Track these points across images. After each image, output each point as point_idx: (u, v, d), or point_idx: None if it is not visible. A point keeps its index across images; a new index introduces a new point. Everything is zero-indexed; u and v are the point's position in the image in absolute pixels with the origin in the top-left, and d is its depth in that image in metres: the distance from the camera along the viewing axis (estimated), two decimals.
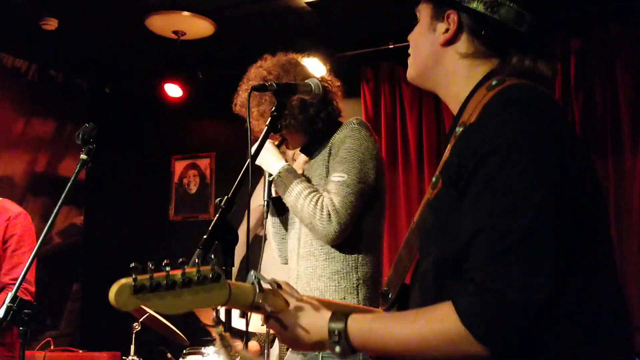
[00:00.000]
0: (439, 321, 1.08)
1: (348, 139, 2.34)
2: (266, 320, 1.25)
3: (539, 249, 1.04)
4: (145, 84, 5.54)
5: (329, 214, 2.20)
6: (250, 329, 3.59)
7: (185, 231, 5.49)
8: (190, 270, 1.10)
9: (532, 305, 1.02)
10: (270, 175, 2.40)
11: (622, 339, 1.16)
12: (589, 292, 1.12)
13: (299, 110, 2.38)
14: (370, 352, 1.23)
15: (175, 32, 4.53)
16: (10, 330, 2.97)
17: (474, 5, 1.29)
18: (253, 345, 4.00)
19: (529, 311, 1.02)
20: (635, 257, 4.05)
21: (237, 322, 2.61)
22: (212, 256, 1.17)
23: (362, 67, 4.92)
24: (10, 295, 2.09)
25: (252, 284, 1.19)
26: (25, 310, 2.06)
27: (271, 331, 3.16)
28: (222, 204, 1.53)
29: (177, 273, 1.09)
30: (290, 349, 2.47)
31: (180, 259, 1.11)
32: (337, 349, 1.17)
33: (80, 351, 4.48)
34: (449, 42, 1.33)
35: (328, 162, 2.36)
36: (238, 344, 2.76)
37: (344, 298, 2.25)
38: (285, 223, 2.55)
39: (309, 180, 2.37)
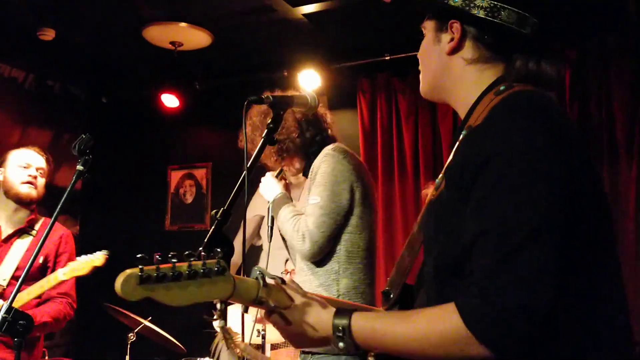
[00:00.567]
0: (442, 321, 1.09)
1: (323, 164, 2.56)
2: (268, 316, 1.26)
3: (543, 252, 1.05)
4: (142, 94, 5.55)
5: (303, 235, 2.47)
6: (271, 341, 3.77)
7: (182, 241, 5.49)
8: (196, 262, 1.11)
9: (536, 307, 1.02)
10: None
11: (624, 344, 1.18)
12: (592, 296, 1.13)
13: (297, 134, 2.65)
14: (373, 350, 1.25)
15: (172, 43, 4.55)
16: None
17: (474, 12, 1.31)
18: None
19: (532, 313, 1.02)
20: (631, 265, 4.05)
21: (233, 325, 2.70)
22: (218, 249, 1.17)
23: (358, 79, 4.94)
24: (5, 305, 2.09)
25: (256, 278, 1.21)
26: (21, 322, 2.06)
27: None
28: (218, 215, 1.53)
29: (184, 265, 1.10)
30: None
31: (187, 252, 1.11)
32: (341, 344, 1.19)
33: None
34: (455, 50, 1.36)
35: (311, 184, 2.60)
36: (240, 339, 2.82)
37: None
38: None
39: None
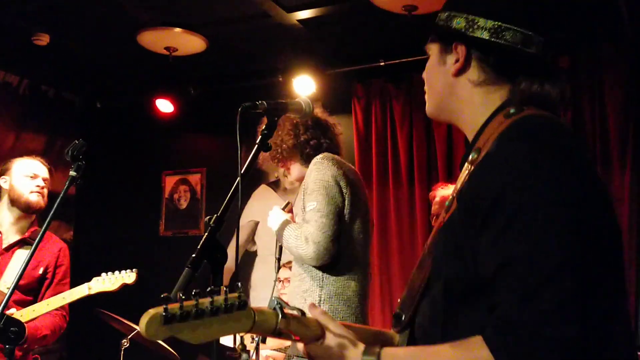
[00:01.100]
0: (471, 357, 1.09)
1: (313, 172, 2.63)
2: (307, 349, 1.27)
3: (568, 286, 1.04)
4: (137, 99, 5.54)
5: (306, 238, 2.53)
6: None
7: (176, 247, 5.47)
8: (218, 298, 1.11)
9: (565, 342, 1.02)
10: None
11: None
12: (610, 326, 1.11)
13: (292, 136, 2.73)
14: None
15: (167, 48, 4.54)
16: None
17: (478, 33, 1.30)
18: None
19: (562, 348, 1.02)
20: (625, 273, 4.06)
21: (224, 340, 2.68)
22: (239, 284, 1.17)
23: (353, 84, 4.95)
24: None
25: (274, 309, 1.21)
26: (12, 329, 2.04)
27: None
28: (212, 222, 1.52)
29: (206, 301, 1.10)
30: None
31: (209, 288, 1.12)
32: None
33: None
34: (460, 72, 1.35)
35: (303, 195, 2.67)
36: None
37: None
38: None
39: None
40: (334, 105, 5.13)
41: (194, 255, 1.46)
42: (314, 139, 2.76)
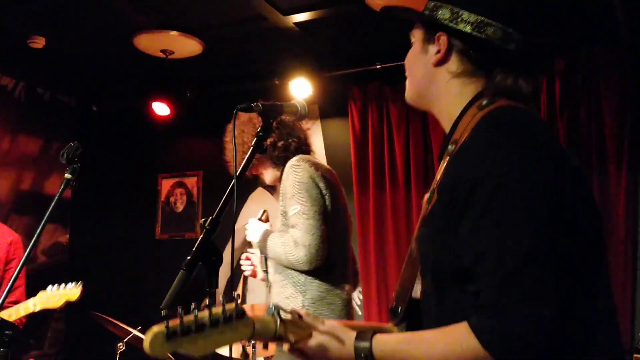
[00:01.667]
0: (459, 343, 1.15)
1: (290, 175, 2.57)
2: (291, 350, 1.29)
3: (543, 269, 1.11)
4: (133, 102, 5.54)
5: (295, 242, 2.45)
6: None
7: (172, 250, 5.46)
8: (217, 310, 1.15)
9: (544, 321, 1.08)
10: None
11: (618, 351, 1.25)
12: (589, 305, 1.18)
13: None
14: None
15: (163, 51, 4.54)
16: None
17: (461, 26, 1.34)
18: None
19: (541, 327, 1.08)
20: (620, 274, 4.06)
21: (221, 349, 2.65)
22: (236, 294, 1.21)
23: (349, 87, 4.95)
24: None
25: (272, 315, 1.25)
26: (7, 332, 2.03)
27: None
28: (207, 224, 1.52)
29: (205, 314, 1.14)
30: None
31: (205, 302, 1.18)
32: None
33: None
34: (440, 62, 1.39)
35: (282, 200, 2.62)
36: None
37: None
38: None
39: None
40: (330, 108, 5.16)
41: (189, 257, 1.46)
42: (280, 141, 2.71)
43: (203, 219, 1.53)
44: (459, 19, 1.33)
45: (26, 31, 4.41)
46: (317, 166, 2.64)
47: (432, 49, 1.39)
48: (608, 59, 4.24)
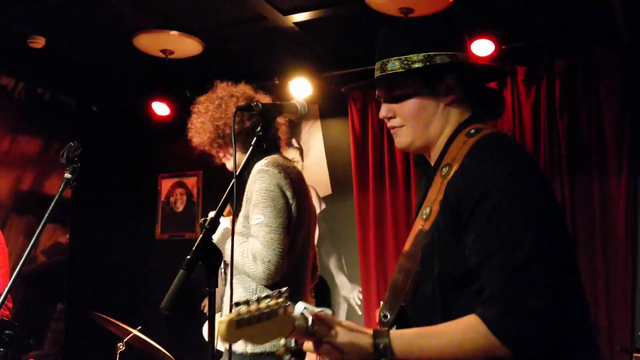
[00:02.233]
0: (471, 332, 1.30)
1: (258, 180, 2.43)
2: (317, 347, 1.34)
3: (542, 267, 1.29)
4: (133, 102, 5.53)
5: (254, 257, 2.32)
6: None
7: (172, 250, 5.46)
8: (271, 303, 1.23)
9: (542, 310, 1.26)
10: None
11: (594, 342, 1.43)
12: (573, 301, 1.36)
13: (237, 122, 2.51)
14: None
15: (163, 51, 4.54)
16: None
17: (460, 57, 1.53)
18: None
19: (538, 317, 1.26)
20: (620, 273, 4.06)
21: (221, 345, 2.60)
22: (284, 289, 1.26)
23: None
24: None
25: (302, 313, 1.31)
26: (7, 331, 2.03)
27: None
28: (207, 224, 1.52)
29: (264, 305, 1.21)
30: None
31: (265, 294, 1.23)
32: None
33: None
34: (453, 100, 1.54)
35: (245, 204, 2.48)
36: None
37: None
38: None
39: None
40: (330, 108, 5.16)
41: (188, 256, 1.46)
42: (258, 126, 2.61)
43: (203, 219, 1.53)
44: (454, 58, 1.52)
45: (26, 31, 4.41)
46: (286, 172, 2.48)
47: (441, 90, 1.52)
48: (608, 59, 4.24)
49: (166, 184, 5.74)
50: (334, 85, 4.92)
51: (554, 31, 4.30)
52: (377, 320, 1.57)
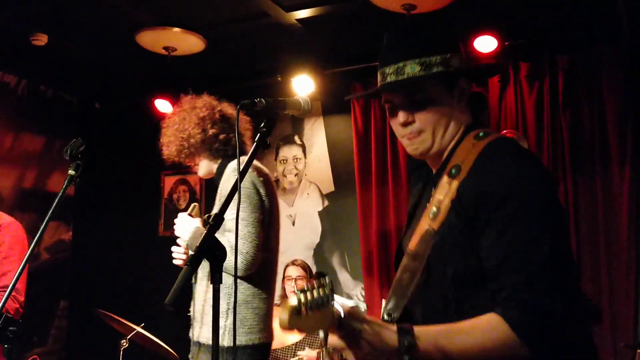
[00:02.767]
0: (494, 331, 1.34)
1: (231, 179, 2.50)
2: (351, 341, 1.37)
3: (559, 269, 1.34)
4: (136, 99, 5.53)
5: (231, 248, 2.29)
6: None
7: None
8: (324, 292, 1.26)
9: (555, 312, 1.31)
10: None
11: (592, 341, 1.46)
12: (579, 299, 1.40)
13: (199, 131, 2.66)
14: (433, 358, 1.41)
15: (165, 48, 4.53)
16: None
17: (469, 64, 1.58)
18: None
19: (553, 316, 1.31)
20: (623, 272, 4.06)
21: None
22: (326, 278, 1.30)
23: (352, 84, 4.93)
24: None
25: (337, 306, 1.34)
26: (11, 328, 2.03)
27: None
28: (210, 220, 1.52)
29: (317, 295, 1.25)
30: None
31: (318, 279, 1.27)
32: (406, 357, 1.37)
33: None
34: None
35: (218, 201, 2.55)
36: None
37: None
38: None
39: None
40: (333, 105, 5.16)
41: (192, 253, 1.46)
42: (222, 133, 2.69)
43: (206, 215, 1.53)
44: (469, 62, 1.57)
45: (29, 28, 4.41)
46: (259, 171, 2.60)
47: (456, 93, 1.54)
48: (611, 55, 4.23)
49: (169, 181, 5.74)
50: (336, 82, 4.92)
51: (557, 28, 4.29)
52: (380, 319, 1.57)
